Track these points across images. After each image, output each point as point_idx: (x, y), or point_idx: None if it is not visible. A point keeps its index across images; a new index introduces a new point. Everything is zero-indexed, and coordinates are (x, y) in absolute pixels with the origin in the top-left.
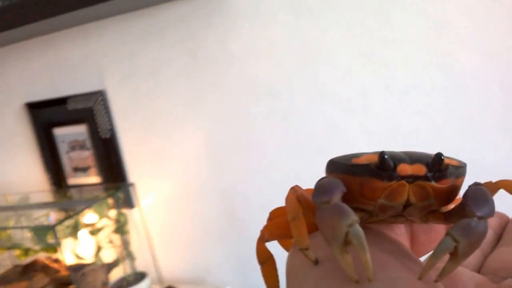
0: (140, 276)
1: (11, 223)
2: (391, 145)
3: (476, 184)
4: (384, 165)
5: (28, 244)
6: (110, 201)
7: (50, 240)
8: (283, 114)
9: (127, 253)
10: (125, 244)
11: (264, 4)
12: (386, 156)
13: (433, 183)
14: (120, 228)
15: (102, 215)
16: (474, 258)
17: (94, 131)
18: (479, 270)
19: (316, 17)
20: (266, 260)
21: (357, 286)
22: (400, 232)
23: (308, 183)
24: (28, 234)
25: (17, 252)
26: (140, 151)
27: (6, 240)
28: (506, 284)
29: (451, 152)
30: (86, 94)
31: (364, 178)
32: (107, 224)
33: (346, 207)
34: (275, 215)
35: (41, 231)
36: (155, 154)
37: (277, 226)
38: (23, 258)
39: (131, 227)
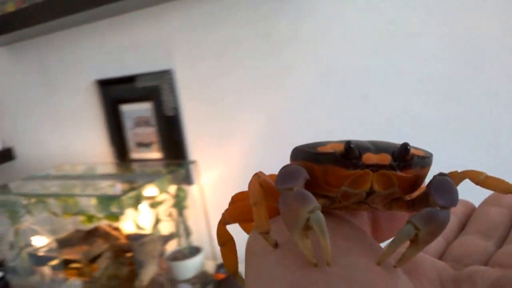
0: (194, 250)
1: (77, 191)
2: (478, 138)
3: (441, 174)
4: (350, 154)
5: (92, 211)
6: (171, 177)
7: (114, 209)
8: (356, 102)
9: (184, 227)
10: (183, 219)
11: None
12: (351, 145)
13: (398, 172)
14: (179, 203)
15: (162, 190)
16: (436, 244)
17: (159, 109)
18: (441, 256)
19: None
20: (225, 242)
21: (316, 270)
22: (361, 219)
23: None
24: (93, 202)
25: (81, 218)
26: (202, 130)
27: (72, 206)
28: (467, 271)
29: None
30: (155, 73)
31: (329, 166)
32: (167, 198)
33: (308, 193)
34: (237, 199)
35: (107, 200)
36: (217, 134)
37: (238, 209)
38: (87, 224)
39: (189, 203)
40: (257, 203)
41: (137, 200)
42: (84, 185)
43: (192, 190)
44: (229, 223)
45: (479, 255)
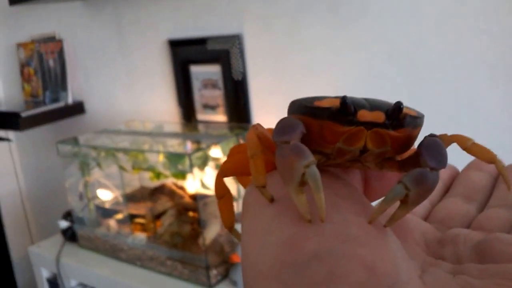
0: None
1: (147, 147)
2: None
3: (431, 136)
4: (345, 110)
5: (160, 168)
6: (236, 139)
7: (182, 167)
8: (419, 82)
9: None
10: None
11: None
12: (347, 101)
13: (391, 131)
14: None
15: (226, 152)
16: (421, 207)
17: (227, 72)
18: (426, 218)
19: None
20: (223, 194)
21: (309, 226)
22: (354, 177)
23: None
24: (161, 159)
25: (149, 174)
26: (267, 97)
27: (141, 162)
28: (451, 233)
29: None
30: (225, 36)
31: (324, 121)
32: None
33: (304, 148)
34: (236, 151)
35: (176, 158)
36: (282, 102)
37: (237, 162)
38: (154, 180)
39: None
40: (254, 156)
41: (204, 160)
42: (153, 142)
43: None
44: (227, 175)
45: (462, 218)
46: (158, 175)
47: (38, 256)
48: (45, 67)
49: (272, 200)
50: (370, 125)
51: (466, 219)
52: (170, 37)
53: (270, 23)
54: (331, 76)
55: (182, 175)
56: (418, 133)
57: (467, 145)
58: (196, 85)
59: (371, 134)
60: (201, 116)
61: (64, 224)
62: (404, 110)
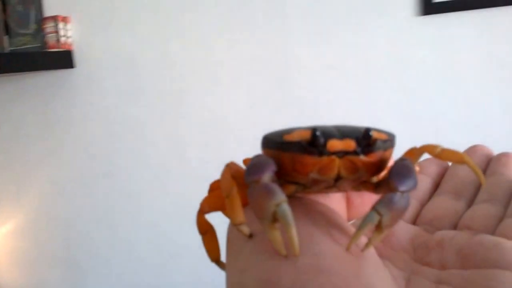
0: None
1: None
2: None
3: (401, 160)
4: (315, 142)
5: None
6: None
7: None
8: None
9: None
10: None
11: None
12: (317, 133)
13: (362, 157)
14: None
15: None
16: (411, 207)
17: None
18: (415, 219)
19: None
20: (206, 231)
21: (284, 261)
22: (334, 197)
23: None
24: None
25: None
26: None
27: None
28: (437, 237)
29: None
30: None
31: (295, 155)
32: None
33: (274, 186)
34: (215, 187)
35: None
36: None
37: (216, 198)
38: None
39: None
40: (229, 196)
41: None
42: None
43: None
44: (207, 212)
45: (450, 217)
46: None
47: None
48: None
49: (250, 236)
50: (341, 153)
51: (454, 218)
52: None
53: None
54: None
55: None
56: (391, 154)
57: (437, 152)
58: None
59: (343, 162)
60: None
61: None
62: (374, 135)
